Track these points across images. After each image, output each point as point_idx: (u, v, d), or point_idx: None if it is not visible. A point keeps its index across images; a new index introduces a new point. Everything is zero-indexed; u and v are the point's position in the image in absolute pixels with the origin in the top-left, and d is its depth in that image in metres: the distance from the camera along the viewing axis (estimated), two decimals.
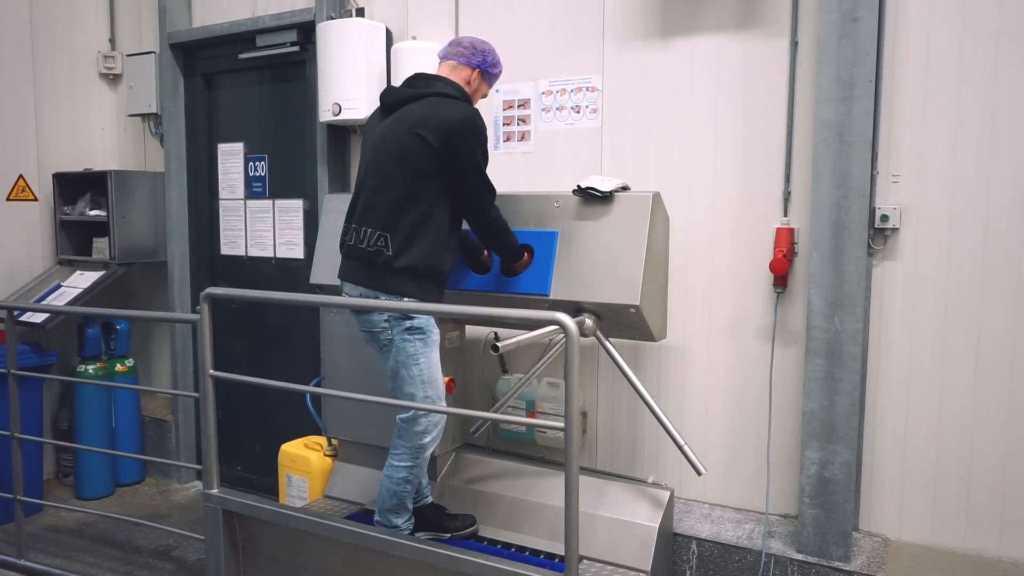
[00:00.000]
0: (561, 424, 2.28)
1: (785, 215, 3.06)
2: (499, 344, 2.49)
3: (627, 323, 2.94)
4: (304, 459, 3.68)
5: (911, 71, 2.85)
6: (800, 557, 2.94)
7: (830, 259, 2.81)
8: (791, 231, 3.03)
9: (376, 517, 2.97)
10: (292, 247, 4.35)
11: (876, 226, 2.88)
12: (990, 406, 2.80)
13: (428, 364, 2.80)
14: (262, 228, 4.45)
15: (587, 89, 3.41)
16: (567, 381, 2.25)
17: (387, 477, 2.90)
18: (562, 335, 2.70)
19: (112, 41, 4.96)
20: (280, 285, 4.39)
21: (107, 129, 5.02)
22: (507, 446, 3.59)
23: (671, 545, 3.15)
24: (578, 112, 3.44)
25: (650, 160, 3.30)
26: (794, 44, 3.01)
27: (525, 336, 2.53)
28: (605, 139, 3.39)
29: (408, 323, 2.75)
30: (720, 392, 3.26)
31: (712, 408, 3.28)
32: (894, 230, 2.89)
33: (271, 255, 4.44)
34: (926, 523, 2.93)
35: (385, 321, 2.77)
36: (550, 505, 3.17)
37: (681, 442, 2.87)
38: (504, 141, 3.62)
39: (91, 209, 4.64)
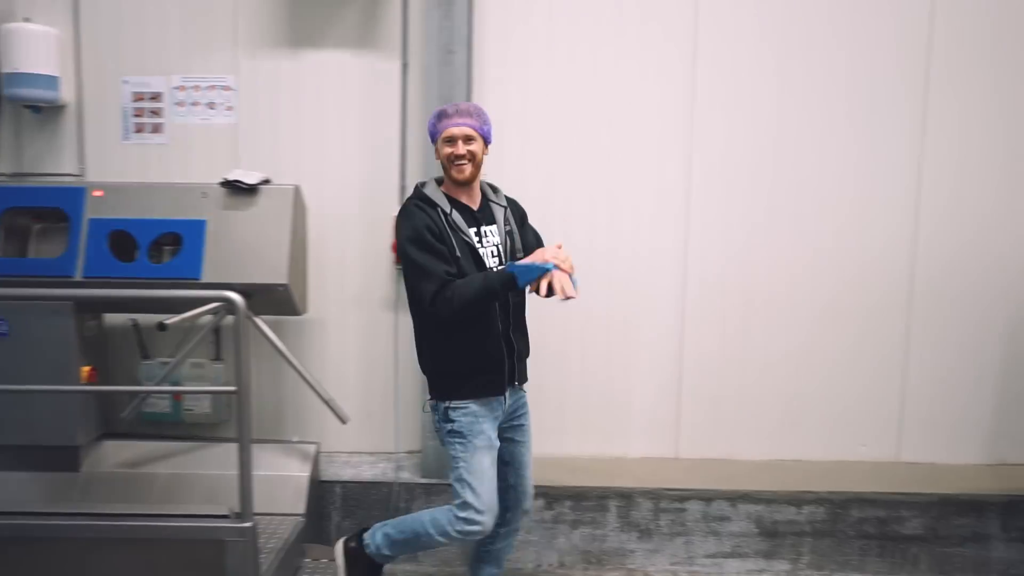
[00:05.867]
0: (233, 388, 2.63)
1: None
2: (166, 322, 2.73)
3: (274, 300, 3.34)
4: None
5: (493, 93, 3.70)
6: (424, 481, 3.64)
7: None
8: None
9: (384, 528, 2.93)
10: None
11: None
12: (550, 342, 3.74)
13: (467, 468, 2.70)
14: None
15: (221, 88, 3.68)
16: (237, 349, 2.63)
17: (424, 515, 2.86)
18: (219, 312, 3.02)
19: None
20: None
21: None
22: (154, 429, 3.71)
23: (319, 491, 3.63)
24: (213, 109, 3.69)
25: (287, 157, 3.70)
26: (405, 66, 3.66)
27: (191, 313, 2.80)
28: (243, 135, 3.70)
29: (448, 426, 2.75)
30: (354, 355, 3.82)
31: (347, 369, 3.83)
32: None
33: None
34: None
35: (437, 422, 2.82)
36: (206, 474, 3.43)
37: (328, 396, 3.36)
38: (135, 132, 3.71)
39: None
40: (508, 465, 2.90)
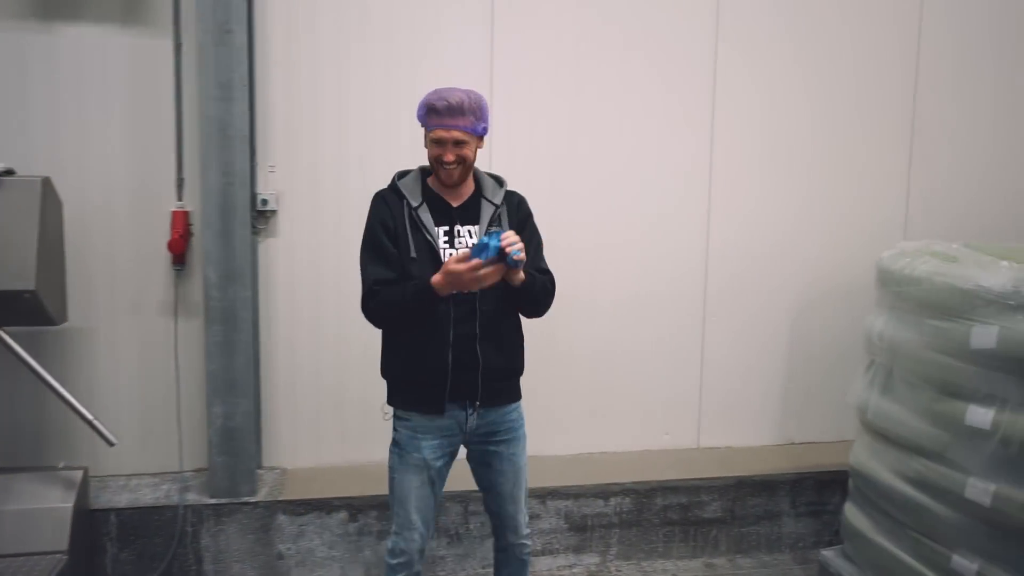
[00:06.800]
0: None
1: (180, 199, 3.38)
2: None
3: (23, 309, 2.91)
4: None
5: (279, 79, 3.43)
6: (213, 501, 3.33)
7: (220, 238, 3.22)
8: (186, 214, 3.36)
9: None
10: None
11: (258, 209, 3.42)
12: (352, 344, 3.54)
13: (399, 483, 2.51)
14: None
15: None
16: None
17: None
18: None
19: None
20: None
21: None
22: None
23: (89, 522, 3.22)
24: None
25: (40, 144, 3.26)
26: (178, 46, 3.31)
27: None
28: None
29: (393, 433, 2.56)
30: (128, 367, 3.44)
31: (121, 383, 3.44)
32: (273, 212, 3.46)
33: None
34: (314, 449, 3.63)
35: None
36: None
37: (90, 417, 2.98)
38: None
39: None
40: (488, 492, 2.64)
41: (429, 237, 2.42)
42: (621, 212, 3.78)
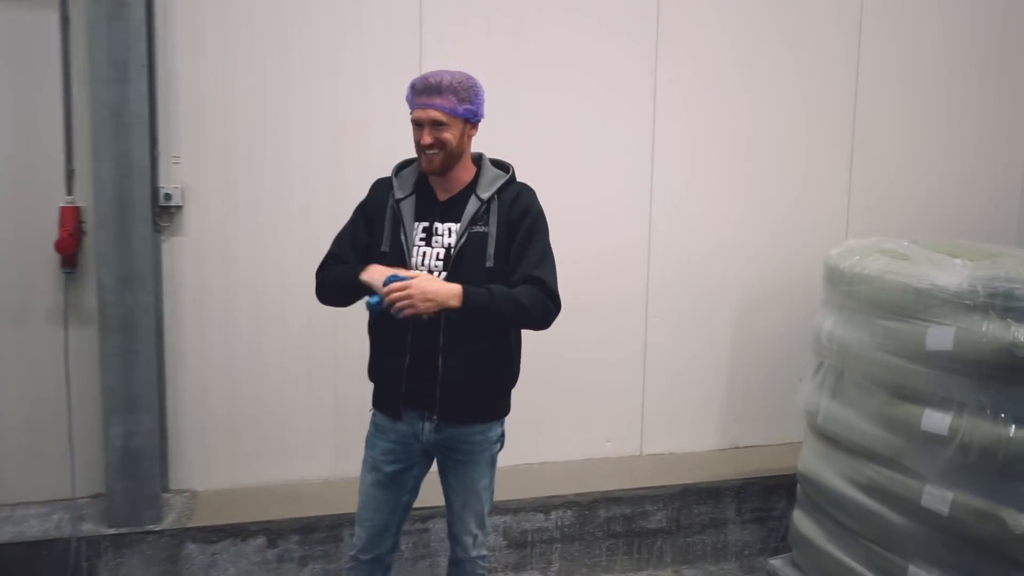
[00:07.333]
0: None
1: (70, 193, 3.03)
2: None
3: None
4: None
5: (182, 59, 3.10)
6: (112, 531, 2.99)
7: (116, 237, 2.89)
8: (77, 210, 3.02)
9: None
10: None
11: (161, 204, 3.08)
12: (268, 353, 3.29)
13: (360, 477, 2.46)
14: None
15: None
16: None
17: None
18: None
19: None
20: None
21: None
22: None
23: None
24: None
25: None
26: (65, 19, 2.96)
27: None
28: None
29: None
30: (10, 383, 3.09)
31: (3, 401, 3.09)
32: (178, 208, 3.14)
33: None
34: (227, 469, 3.31)
35: None
36: None
37: None
38: None
39: None
40: (445, 502, 2.52)
41: (403, 235, 2.27)
42: (560, 212, 3.52)
